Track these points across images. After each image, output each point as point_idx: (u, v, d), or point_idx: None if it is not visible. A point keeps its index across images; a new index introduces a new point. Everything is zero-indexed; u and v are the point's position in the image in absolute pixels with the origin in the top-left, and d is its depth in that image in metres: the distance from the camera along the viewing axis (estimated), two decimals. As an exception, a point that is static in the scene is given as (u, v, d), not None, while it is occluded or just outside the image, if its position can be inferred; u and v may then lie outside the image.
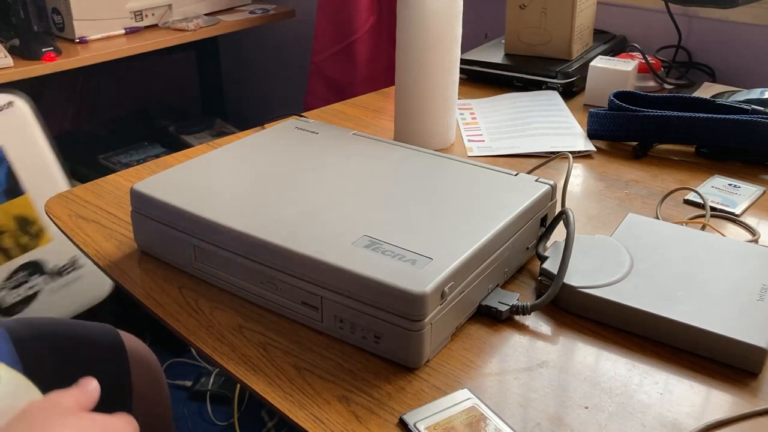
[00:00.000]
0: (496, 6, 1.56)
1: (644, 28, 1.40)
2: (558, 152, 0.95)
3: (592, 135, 1.03)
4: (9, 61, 1.45)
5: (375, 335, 0.59)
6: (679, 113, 0.96)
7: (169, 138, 2.02)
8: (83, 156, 1.84)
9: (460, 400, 0.55)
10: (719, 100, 1.00)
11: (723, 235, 0.78)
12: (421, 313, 0.56)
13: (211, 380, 1.60)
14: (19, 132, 1.27)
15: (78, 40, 1.60)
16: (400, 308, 0.56)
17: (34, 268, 1.39)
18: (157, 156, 1.84)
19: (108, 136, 2.01)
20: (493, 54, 1.30)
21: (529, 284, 0.71)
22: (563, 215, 0.71)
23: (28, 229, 1.35)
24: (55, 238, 1.39)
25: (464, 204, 0.68)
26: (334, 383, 0.58)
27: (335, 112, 1.15)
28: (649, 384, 0.58)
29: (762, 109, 0.96)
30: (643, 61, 1.21)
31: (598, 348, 0.62)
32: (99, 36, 1.64)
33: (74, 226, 0.81)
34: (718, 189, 0.89)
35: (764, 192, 0.89)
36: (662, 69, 1.27)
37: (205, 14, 1.83)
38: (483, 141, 1.03)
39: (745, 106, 0.97)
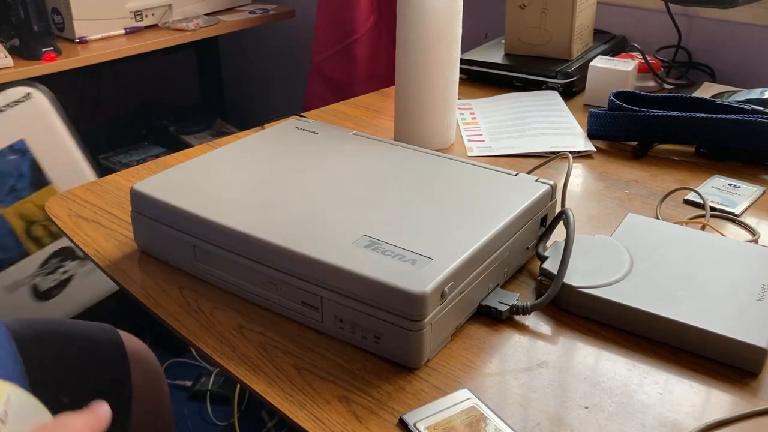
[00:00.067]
0: (496, 6, 1.56)
1: (644, 28, 1.40)
2: (558, 152, 0.95)
3: (592, 135, 1.03)
4: (9, 61, 1.45)
5: (375, 335, 0.59)
6: (679, 113, 0.96)
7: (169, 138, 2.02)
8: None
9: (460, 400, 0.55)
10: (719, 100, 1.00)
11: (723, 235, 0.78)
12: (421, 313, 0.56)
13: (211, 380, 1.60)
14: (39, 123, 1.28)
15: (78, 40, 1.60)
16: (400, 308, 0.56)
17: (66, 254, 1.43)
18: (157, 156, 1.84)
19: (108, 136, 2.01)
20: (493, 54, 1.30)
21: (529, 284, 0.71)
22: (563, 215, 0.71)
23: None
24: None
25: (464, 204, 0.68)
26: (334, 383, 0.58)
27: (335, 112, 1.15)
28: (649, 384, 0.58)
29: (762, 109, 0.96)
30: (643, 61, 1.21)
31: (598, 348, 0.62)
32: (99, 36, 1.64)
33: (74, 226, 0.81)
34: (718, 189, 0.89)
35: (764, 192, 0.89)
36: (662, 69, 1.27)
37: (205, 14, 1.83)
38: (483, 141, 1.03)
39: (745, 106, 0.97)
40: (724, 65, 1.31)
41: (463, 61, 1.18)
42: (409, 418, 0.53)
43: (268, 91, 2.29)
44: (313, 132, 0.85)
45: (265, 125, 1.03)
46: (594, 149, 1.00)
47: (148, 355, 0.95)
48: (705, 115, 0.95)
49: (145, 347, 0.95)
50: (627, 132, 1.00)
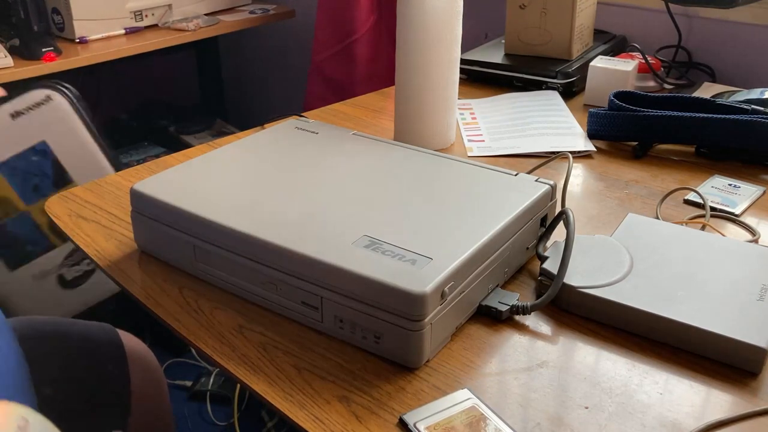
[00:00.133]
0: (496, 6, 1.56)
1: (644, 28, 1.40)
2: (558, 152, 0.95)
3: (592, 135, 1.03)
4: (9, 61, 1.45)
5: (375, 335, 0.59)
6: (679, 113, 0.96)
7: (169, 138, 2.02)
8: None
9: (460, 400, 0.55)
10: (719, 100, 1.00)
11: (723, 235, 0.78)
12: (421, 313, 0.56)
13: (211, 380, 1.60)
14: (60, 126, 1.30)
15: (78, 40, 1.60)
16: (400, 308, 0.56)
17: None
18: (157, 156, 1.84)
19: (108, 136, 2.00)
20: (493, 54, 1.30)
21: (529, 284, 0.71)
22: (563, 215, 0.71)
23: None
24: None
25: (464, 204, 0.68)
26: (334, 383, 0.58)
27: (335, 112, 1.15)
28: (649, 384, 0.58)
29: (762, 109, 0.96)
30: (643, 61, 1.21)
31: (598, 348, 0.62)
32: (99, 36, 1.64)
33: (74, 226, 0.81)
34: (718, 189, 0.89)
35: (764, 192, 0.89)
36: (662, 69, 1.27)
37: (205, 14, 1.83)
38: (483, 141, 1.03)
39: (745, 106, 0.97)
40: (724, 65, 1.31)
41: (463, 61, 1.18)
42: (409, 418, 0.53)
43: (268, 91, 2.29)
44: (313, 132, 0.85)
45: (265, 125, 1.03)
46: (594, 149, 1.00)
47: (147, 355, 0.95)
48: (705, 115, 0.95)
49: (144, 347, 0.95)
50: (627, 132, 1.00)
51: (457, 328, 0.63)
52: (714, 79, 1.31)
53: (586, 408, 0.55)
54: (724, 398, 0.56)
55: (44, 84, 1.29)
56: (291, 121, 0.89)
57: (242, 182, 0.73)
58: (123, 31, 1.67)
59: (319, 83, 1.75)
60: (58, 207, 0.84)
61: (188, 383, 1.63)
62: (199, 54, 2.19)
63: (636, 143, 1.00)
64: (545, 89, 1.21)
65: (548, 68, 1.22)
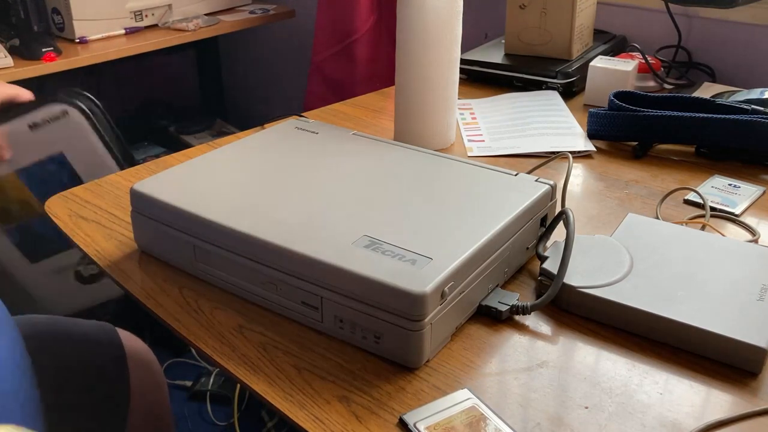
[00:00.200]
0: (496, 6, 1.56)
1: (644, 28, 1.40)
2: (558, 152, 0.95)
3: (592, 135, 1.03)
4: (9, 61, 1.45)
5: (375, 335, 0.59)
6: (679, 113, 0.96)
7: (169, 138, 2.02)
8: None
9: (460, 400, 0.55)
10: (719, 100, 1.00)
11: (723, 235, 0.78)
12: (421, 313, 0.56)
13: (211, 380, 1.61)
14: (75, 141, 1.32)
15: (78, 40, 1.60)
16: (400, 308, 0.56)
17: None
18: (157, 156, 1.84)
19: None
20: (493, 54, 1.30)
21: (529, 284, 0.71)
22: (563, 215, 0.71)
23: None
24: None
25: (464, 204, 0.68)
26: (334, 383, 0.58)
27: (335, 112, 1.15)
28: (649, 384, 0.58)
29: (762, 109, 0.96)
30: (643, 61, 1.21)
31: (598, 348, 0.62)
32: (99, 36, 1.64)
33: (74, 226, 0.81)
34: (718, 189, 0.89)
35: (764, 192, 0.89)
36: (662, 69, 1.27)
37: (205, 14, 1.83)
38: (483, 141, 1.03)
39: (745, 106, 0.97)
40: (724, 65, 1.31)
41: (463, 61, 1.18)
42: (409, 418, 0.53)
43: (268, 91, 2.29)
44: (313, 132, 0.85)
45: (265, 125, 1.03)
46: (594, 149, 1.00)
47: (147, 354, 0.95)
48: (705, 115, 0.95)
49: (144, 347, 0.95)
50: (627, 132, 1.00)
51: (457, 328, 0.63)
52: (714, 79, 1.31)
53: (586, 408, 0.55)
54: (724, 398, 0.56)
55: (62, 98, 1.29)
56: (291, 121, 0.89)
57: (242, 182, 0.73)
58: (123, 31, 1.68)
59: (319, 83, 1.75)
60: (58, 207, 0.84)
61: (188, 383, 1.63)
62: (199, 54, 2.19)
63: (636, 143, 1.00)
64: (545, 89, 1.21)
65: (548, 68, 1.22)
